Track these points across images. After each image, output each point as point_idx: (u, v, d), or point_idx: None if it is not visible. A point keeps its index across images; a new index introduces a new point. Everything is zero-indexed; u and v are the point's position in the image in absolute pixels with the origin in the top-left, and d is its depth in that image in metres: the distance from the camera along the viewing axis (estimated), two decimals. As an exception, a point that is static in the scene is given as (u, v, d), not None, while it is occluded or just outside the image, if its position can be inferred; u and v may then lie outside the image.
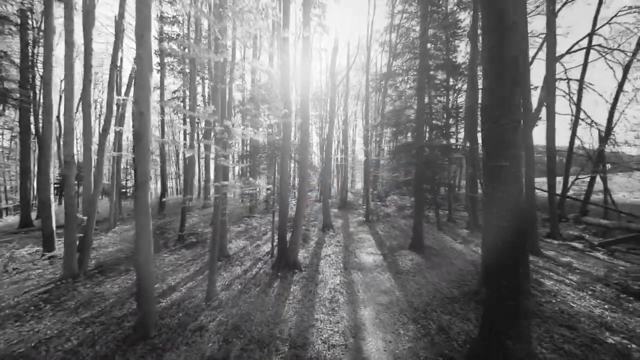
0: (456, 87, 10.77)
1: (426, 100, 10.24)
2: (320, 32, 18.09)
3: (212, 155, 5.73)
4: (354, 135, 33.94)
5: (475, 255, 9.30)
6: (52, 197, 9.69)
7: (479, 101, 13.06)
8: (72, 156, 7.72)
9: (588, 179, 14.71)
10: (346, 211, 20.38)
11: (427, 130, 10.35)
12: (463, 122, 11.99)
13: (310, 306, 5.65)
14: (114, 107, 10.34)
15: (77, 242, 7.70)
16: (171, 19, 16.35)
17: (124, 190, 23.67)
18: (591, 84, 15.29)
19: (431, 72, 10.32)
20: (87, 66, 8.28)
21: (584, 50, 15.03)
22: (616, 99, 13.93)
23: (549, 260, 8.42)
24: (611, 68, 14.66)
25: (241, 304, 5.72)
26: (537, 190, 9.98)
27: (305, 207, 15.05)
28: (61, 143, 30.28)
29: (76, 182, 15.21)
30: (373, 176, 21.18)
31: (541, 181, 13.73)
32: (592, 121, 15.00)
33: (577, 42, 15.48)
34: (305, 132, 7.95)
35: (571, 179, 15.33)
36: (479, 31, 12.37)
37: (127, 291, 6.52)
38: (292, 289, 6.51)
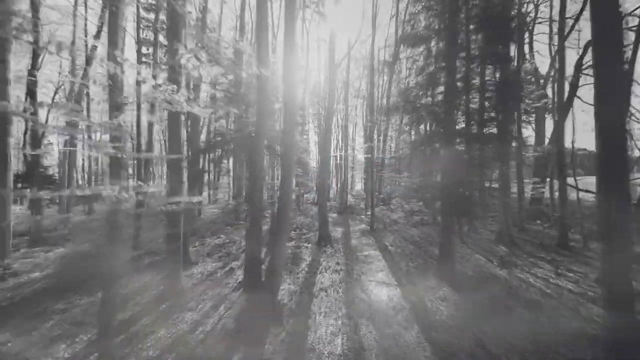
0: (508, 55, 8.00)
1: (459, 75, 7.53)
2: (318, 20, 15.44)
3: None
4: (354, 134, 31.46)
5: (532, 290, 6.57)
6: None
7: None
8: None
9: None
10: (346, 216, 17.77)
11: (460, 115, 7.61)
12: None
13: None
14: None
15: None
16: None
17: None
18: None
19: (466, 36, 7.60)
20: None
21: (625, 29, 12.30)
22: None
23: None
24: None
25: None
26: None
27: (292, 213, 12.21)
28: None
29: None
30: (377, 177, 18.51)
31: (589, 182, 11.22)
32: (632, 113, 12.44)
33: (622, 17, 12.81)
34: (291, 105, 5.13)
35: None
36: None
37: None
38: (259, 377, 3.77)
